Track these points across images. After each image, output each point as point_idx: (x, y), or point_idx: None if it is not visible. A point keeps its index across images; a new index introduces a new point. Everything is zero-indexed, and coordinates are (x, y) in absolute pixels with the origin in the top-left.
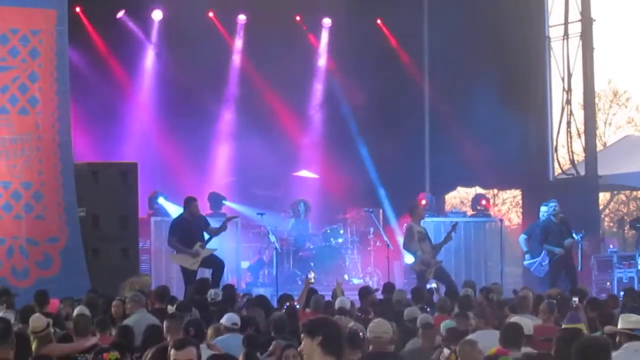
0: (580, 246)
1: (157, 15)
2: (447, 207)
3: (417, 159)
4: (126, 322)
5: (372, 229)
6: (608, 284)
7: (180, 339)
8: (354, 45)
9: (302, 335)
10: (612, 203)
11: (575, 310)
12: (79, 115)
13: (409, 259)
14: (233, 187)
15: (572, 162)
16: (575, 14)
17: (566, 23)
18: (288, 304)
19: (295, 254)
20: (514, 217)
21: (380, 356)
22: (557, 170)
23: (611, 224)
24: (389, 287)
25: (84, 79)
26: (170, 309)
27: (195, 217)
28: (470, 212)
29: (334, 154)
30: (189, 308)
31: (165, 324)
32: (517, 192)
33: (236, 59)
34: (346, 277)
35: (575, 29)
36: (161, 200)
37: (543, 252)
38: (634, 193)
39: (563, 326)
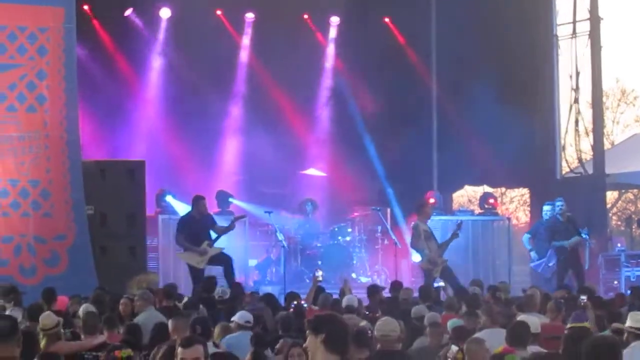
0: (588, 245)
1: (165, 13)
2: (455, 206)
3: (424, 157)
4: (135, 320)
5: (379, 228)
6: (616, 282)
7: (187, 337)
8: (361, 43)
9: (307, 331)
10: (619, 202)
11: (583, 309)
12: (86, 112)
13: (416, 257)
14: (240, 185)
15: (580, 160)
16: (583, 13)
17: (574, 22)
18: (296, 302)
19: (303, 252)
20: (521, 216)
21: (387, 355)
22: (565, 169)
23: (619, 223)
24: (396, 286)
25: (91, 76)
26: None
27: (203, 216)
28: (478, 210)
29: (342, 152)
30: (197, 306)
31: (171, 322)
32: (524, 191)
33: (244, 56)
34: (354, 275)
35: (583, 27)
36: (169, 199)
37: (549, 251)
38: None
39: (569, 325)
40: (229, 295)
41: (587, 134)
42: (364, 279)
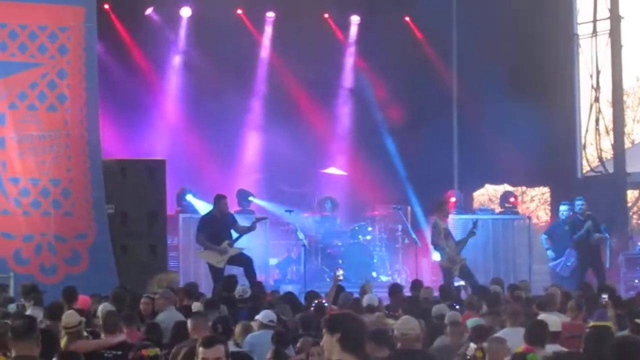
0: (608, 243)
1: (185, 11)
2: (476, 205)
3: (445, 156)
4: (155, 319)
5: (400, 226)
6: (636, 281)
7: (208, 337)
8: (381, 42)
9: (323, 330)
10: None
11: (604, 307)
12: (107, 111)
13: (436, 256)
14: (261, 184)
15: (601, 159)
16: (603, 12)
17: (594, 21)
18: (316, 301)
19: (324, 251)
20: (542, 215)
21: (408, 353)
22: (586, 168)
23: (639, 222)
24: (416, 285)
25: (112, 75)
26: (198, 305)
27: (224, 215)
28: (498, 209)
29: (362, 151)
30: (217, 305)
31: (190, 322)
32: (545, 190)
33: (264, 55)
34: (374, 274)
35: (604, 26)
36: (189, 198)
37: (567, 251)
38: None
39: (591, 324)
40: (250, 294)
41: (607, 132)
42: (384, 278)
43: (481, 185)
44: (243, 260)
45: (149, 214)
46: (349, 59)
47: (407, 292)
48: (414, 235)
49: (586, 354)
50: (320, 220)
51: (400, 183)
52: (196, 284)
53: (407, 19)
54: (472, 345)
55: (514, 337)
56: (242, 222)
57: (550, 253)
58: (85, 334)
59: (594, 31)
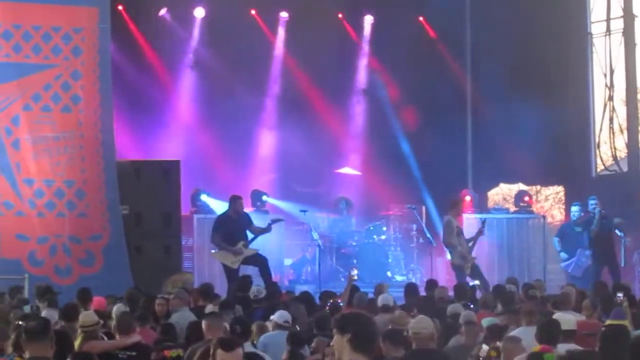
0: (623, 242)
1: (199, 12)
2: (490, 204)
3: (459, 155)
4: (169, 319)
5: (414, 226)
6: None
7: (228, 339)
8: (395, 42)
9: (333, 330)
10: None
11: (620, 306)
12: (121, 112)
13: (448, 254)
14: (275, 184)
15: (615, 158)
16: (617, 10)
17: (608, 19)
18: (332, 300)
19: (338, 251)
20: (556, 214)
21: (422, 353)
22: (600, 167)
23: None
24: (431, 284)
25: (126, 76)
26: (213, 307)
27: (239, 215)
28: (513, 208)
29: (376, 151)
30: (232, 306)
31: (204, 322)
32: (559, 189)
33: (278, 55)
34: (389, 274)
35: (618, 25)
36: (204, 198)
37: (578, 251)
38: None
39: (607, 322)
40: (265, 294)
41: (621, 131)
42: (399, 278)
43: (496, 185)
44: (258, 260)
45: (163, 214)
46: (363, 59)
47: (422, 292)
48: (428, 235)
49: (601, 352)
50: (334, 221)
51: (415, 183)
52: (211, 284)
53: (421, 18)
54: (485, 347)
55: (529, 336)
56: (257, 222)
57: (563, 255)
58: (100, 334)
59: (608, 30)
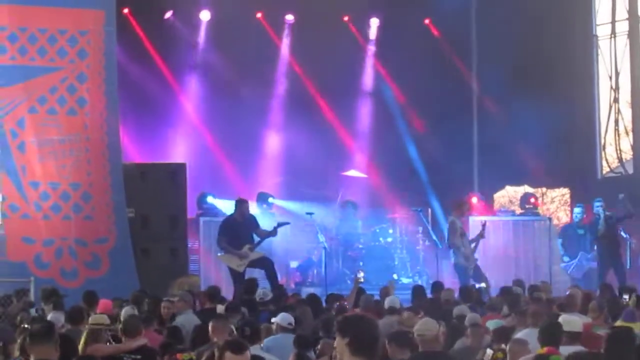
0: (628, 244)
1: (205, 15)
2: (496, 206)
3: (465, 157)
4: (174, 322)
5: (420, 228)
6: None
7: (237, 342)
8: (401, 45)
9: (336, 333)
10: None
11: (629, 307)
12: (127, 115)
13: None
14: (281, 186)
15: (620, 160)
16: (622, 13)
17: (613, 22)
18: (338, 303)
19: (345, 253)
20: (562, 216)
21: (428, 355)
22: (605, 169)
23: None
24: (437, 286)
25: (132, 79)
26: (220, 308)
27: (245, 218)
28: (518, 210)
29: (382, 153)
30: (238, 308)
31: (211, 324)
32: (565, 191)
33: (284, 58)
34: (395, 276)
35: (623, 27)
36: (210, 199)
37: (580, 253)
38: None
39: (617, 323)
40: (271, 297)
41: (627, 133)
42: (405, 280)
43: (501, 187)
44: (264, 263)
45: (169, 217)
46: (369, 62)
47: (428, 294)
48: (434, 237)
49: (607, 354)
50: (341, 223)
51: (421, 185)
52: (218, 287)
53: (427, 21)
54: (489, 351)
55: (534, 338)
56: (264, 224)
57: (565, 258)
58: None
59: (613, 32)
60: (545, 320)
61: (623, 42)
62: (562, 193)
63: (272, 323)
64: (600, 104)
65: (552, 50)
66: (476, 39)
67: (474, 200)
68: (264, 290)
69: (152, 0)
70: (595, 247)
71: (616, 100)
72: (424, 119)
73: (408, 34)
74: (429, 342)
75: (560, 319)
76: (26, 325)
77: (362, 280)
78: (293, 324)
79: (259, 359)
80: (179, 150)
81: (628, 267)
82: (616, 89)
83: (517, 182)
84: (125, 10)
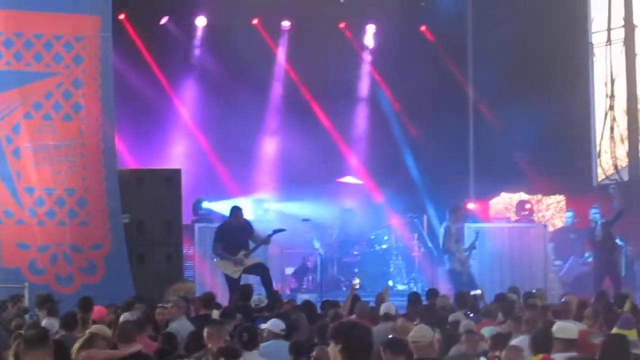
0: (624, 251)
1: (201, 21)
2: (492, 213)
3: (461, 164)
4: (168, 328)
5: (416, 235)
6: None
7: (230, 348)
8: (397, 51)
9: (329, 339)
10: None
11: (621, 314)
12: (123, 121)
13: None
14: (277, 193)
15: (616, 167)
16: (618, 20)
17: (609, 29)
18: (333, 309)
19: (340, 260)
20: (558, 223)
21: None
22: (601, 176)
23: None
24: (432, 293)
25: (128, 85)
26: (215, 314)
27: (240, 224)
28: (514, 217)
29: (378, 160)
30: (233, 314)
31: (206, 331)
32: (561, 198)
33: (280, 64)
34: (390, 282)
35: (618, 35)
36: (206, 204)
37: (571, 258)
38: None
39: (614, 331)
40: (266, 303)
41: (622, 140)
42: (400, 287)
43: (497, 193)
44: (260, 269)
45: (165, 223)
46: (365, 68)
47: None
48: (430, 244)
49: None
50: (338, 230)
51: (417, 191)
52: (213, 293)
53: (423, 28)
54: (483, 359)
55: (525, 344)
56: (260, 231)
57: (557, 262)
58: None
59: (609, 40)
60: (536, 328)
61: (618, 50)
62: (557, 200)
63: (264, 330)
64: (596, 111)
65: (548, 57)
66: (472, 46)
67: (471, 206)
68: (259, 296)
69: (148, 6)
70: (592, 254)
71: (612, 107)
72: (420, 125)
73: (404, 41)
74: (424, 349)
75: (555, 326)
76: (20, 332)
77: (357, 286)
78: (285, 329)
79: None
80: (174, 156)
81: (623, 274)
82: (612, 96)
83: (513, 189)
84: (122, 16)
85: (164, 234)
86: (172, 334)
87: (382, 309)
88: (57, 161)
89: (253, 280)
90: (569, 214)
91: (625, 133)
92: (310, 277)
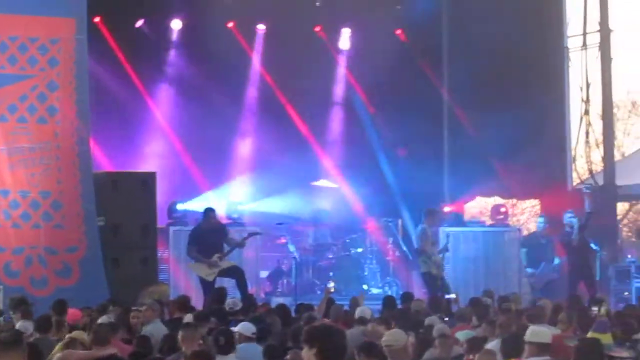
0: (598, 255)
1: (176, 24)
2: (467, 217)
3: (436, 168)
4: (142, 331)
5: (391, 239)
6: (626, 293)
7: (203, 352)
8: (373, 54)
9: (302, 343)
10: (630, 213)
11: (596, 319)
12: (98, 124)
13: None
14: (252, 196)
15: (591, 172)
16: (593, 25)
17: (584, 34)
18: (308, 313)
19: (315, 263)
20: (532, 227)
21: None
22: (576, 180)
23: (629, 234)
24: (407, 297)
25: (103, 88)
26: (189, 317)
27: (214, 227)
28: (489, 221)
29: (353, 163)
30: (207, 317)
31: (180, 333)
32: (536, 202)
33: (255, 67)
34: (365, 286)
35: (594, 39)
36: (180, 206)
37: (542, 264)
38: None
39: (589, 335)
40: (241, 306)
41: (597, 145)
42: (375, 291)
43: (472, 198)
44: (235, 273)
45: (140, 226)
46: (340, 72)
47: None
48: (404, 248)
49: None
50: (313, 234)
51: (391, 195)
52: (188, 296)
53: (398, 31)
54: None
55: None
56: (234, 235)
57: (528, 270)
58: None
59: (584, 44)
60: (507, 333)
61: (594, 54)
62: (532, 204)
63: (235, 333)
64: (571, 116)
65: (523, 62)
66: (447, 49)
67: (446, 210)
68: (233, 299)
69: (123, 9)
70: (567, 258)
71: (587, 112)
72: (395, 129)
73: (379, 44)
74: (397, 353)
75: (528, 330)
76: None
77: (332, 290)
78: (256, 333)
79: None
80: (149, 159)
81: (597, 278)
82: (587, 101)
83: (488, 193)
84: (97, 19)
85: (139, 237)
86: (146, 337)
87: (358, 313)
88: (32, 164)
89: (227, 283)
90: (541, 219)
91: (600, 138)
92: (285, 281)
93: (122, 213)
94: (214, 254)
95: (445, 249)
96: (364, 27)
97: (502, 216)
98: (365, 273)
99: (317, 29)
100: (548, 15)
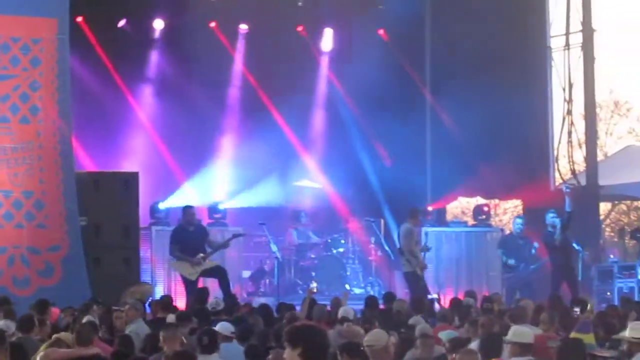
0: (581, 256)
1: (158, 24)
2: (449, 217)
3: (418, 168)
4: (125, 331)
5: (373, 239)
6: (608, 293)
7: (185, 353)
8: (355, 54)
9: (285, 343)
10: (613, 213)
11: (577, 319)
12: (80, 124)
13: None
14: (235, 196)
15: (573, 172)
16: (576, 25)
17: (567, 33)
18: (289, 313)
19: (297, 263)
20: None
21: None
22: (558, 180)
23: (612, 234)
24: (389, 297)
25: (85, 87)
26: (171, 317)
27: (195, 227)
28: (471, 222)
29: (336, 164)
30: (189, 318)
31: (162, 333)
32: (518, 202)
33: (238, 67)
34: (347, 286)
35: (577, 39)
36: (162, 205)
37: (522, 265)
38: (635, 203)
39: (571, 335)
40: (223, 306)
41: (580, 145)
42: (357, 291)
43: (454, 198)
44: (218, 272)
45: (122, 226)
46: (323, 71)
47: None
48: (387, 248)
49: None
50: (295, 233)
51: (374, 195)
52: (170, 296)
53: (381, 31)
54: None
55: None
56: (217, 236)
57: (511, 262)
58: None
59: (567, 44)
60: (484, 333)
61: (577, 54)
62: (514, 204)
63: None
64: (554, 116)
65: (506, 62)
66: (429, 49)
67: (429, 209)
68: (216, 299)
69: (106, 9)
70: (550, 258)
71: (569, 112)
72: (377, 129)
73: (361, 44)
74: (379, 353)
75: (510, 330)
76: None
77: (315, 290)
78: (235, 332)
79: None
80: (132, 159)
81: (580, 279)
82: (570, 101)
83: (470, 193)
84: (79, 19)
85: (122, 237)
86: (129, 336)
87: (340, 313)
88: (15, 164)
89: (210, 283)
90: (519, 220)
91: (583, 138)
92: (267, 281)
93: (104, 213)
94: (197, 254)
95: (426, 248)
96: (346, 27)
97: (484, 216)
98: (348, 273)
99: (300, 28)
100: (531, 15)
